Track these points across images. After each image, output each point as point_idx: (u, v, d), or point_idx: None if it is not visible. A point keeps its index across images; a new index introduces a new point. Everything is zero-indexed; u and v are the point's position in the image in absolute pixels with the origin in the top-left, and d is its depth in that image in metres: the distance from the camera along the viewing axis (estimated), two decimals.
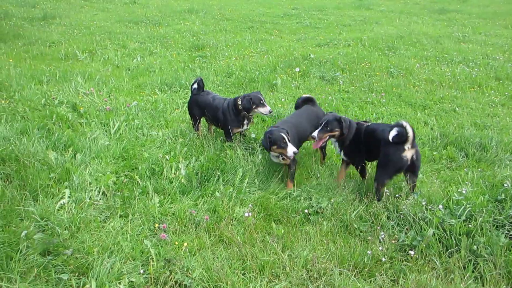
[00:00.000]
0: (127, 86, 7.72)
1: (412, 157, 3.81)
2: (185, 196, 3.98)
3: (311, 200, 3.92)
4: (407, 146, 3.75)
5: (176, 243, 3.20)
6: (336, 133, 4.16)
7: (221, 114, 5.07)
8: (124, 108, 6.37)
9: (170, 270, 2.90)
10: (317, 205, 3.75)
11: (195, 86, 5.47)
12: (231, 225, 3.55)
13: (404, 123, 3.69)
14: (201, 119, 5.51)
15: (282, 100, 6.71)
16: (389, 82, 7.93)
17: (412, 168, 3.93)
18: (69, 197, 3.79)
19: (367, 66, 8.91)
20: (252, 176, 4.33)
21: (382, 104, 6.87)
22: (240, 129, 5.14)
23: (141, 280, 2.79)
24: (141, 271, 2.88)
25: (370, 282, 3.02)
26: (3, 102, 6.28)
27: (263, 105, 4.91)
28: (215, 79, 7.92)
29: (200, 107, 5.41)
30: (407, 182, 4.10)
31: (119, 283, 2.73)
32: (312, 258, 3.07)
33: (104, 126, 5.70)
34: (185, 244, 3.19)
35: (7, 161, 4.37)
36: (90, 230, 3.40)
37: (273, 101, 6.73)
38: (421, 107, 6.84)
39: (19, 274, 2.83)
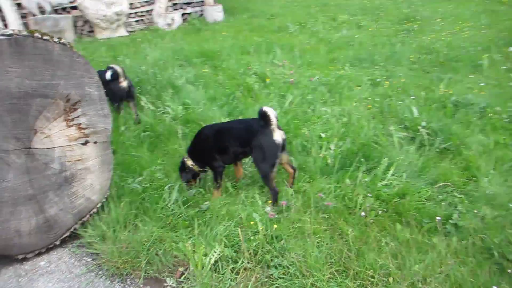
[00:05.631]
0: (321, 60, 7.84)
1: None
2: (324, 177, 3.92)
3: (456, 207, 3.34)
4: None
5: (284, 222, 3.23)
6: None
7: None
8: (307, 81, 6.54)
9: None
10: (458, 217, 3.17)
11: None
12: (352, 217, 3.35)
13: None
14: None
15: (481, 84, 5.68)
16: None
17: None
18: None
19: None
20: (402, 169, 3.92)
21: None
22: None
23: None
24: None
25: None
26: (207, 70, 7.27)
27: None
28: (411, 56, 7.25)
29: None
30: None
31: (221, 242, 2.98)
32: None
33: (282, 97, 6.00)
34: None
35: (190, 122, 5.16)
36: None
37: (468, 85, 5.77)
38: None
39: None
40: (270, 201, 3.55)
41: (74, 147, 3.18)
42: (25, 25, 9.81)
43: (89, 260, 3.15)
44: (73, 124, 3.13)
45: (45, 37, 2.85)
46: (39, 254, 3.21)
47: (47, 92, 2.91)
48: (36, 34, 2.81)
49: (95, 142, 3.30)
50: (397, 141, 4.28)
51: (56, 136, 3.06)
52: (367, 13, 11.24)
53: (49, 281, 2.95)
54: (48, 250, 3.25)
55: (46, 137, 3.01)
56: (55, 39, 2.90)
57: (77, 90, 3.07)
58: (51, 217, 3.15)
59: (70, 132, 3.13)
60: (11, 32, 2.74)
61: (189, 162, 3.79)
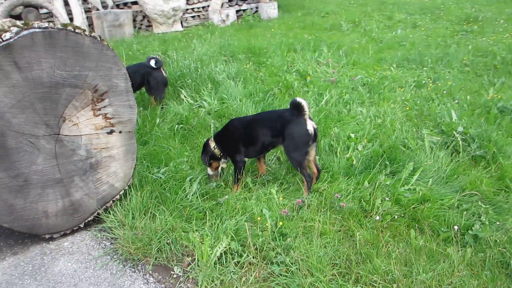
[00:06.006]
0: (368, 60, 7.65)
1: None
2: (345, 178, 3.85)
3: (479, 218, 3.15)
4: None
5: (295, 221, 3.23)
6: None
7: None
8: (348, 80, 6.42)
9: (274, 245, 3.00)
10: (480, 228, 2.99)
11: None
12: (368, 220, 3.27)
13: None
14: None
15: None
16: None
17: None
18: None
19: None
20: (429, 174, 3.76)
21: None
22: None
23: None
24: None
25: None
26: (250, 66, 7.34)
27: None
28: (464, 58, 6.87)
29: None
30: None
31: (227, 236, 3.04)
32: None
33: (320, 96, 5.93)
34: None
35: (223, 117, 5.25)
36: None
37: None
38: None
39: None
40: (282, 198, 3.56)
41: (100, 135, 3.38)
42: (89, 19, 10.46)
43: (107, 244, 3.34)
44: (100, 114, 3.33)
45: (77, 31, 3.05)
46: (64, 235, 3.46)
47: (76, 82, 3.12)
48: (69, 28, 3.02)
49: (120, 132, 3.49)
50: (428, 145, 4.10)
51: (83, 124, 3.27)
52: (426, 12, 10.75)
53: (68, 261, 3.17)
54: (72, 232, 3.49)
55: (74, 125, 3.23)
56: (86, 33, 3.10)
57: (105, 81, 3.26)
58: (76, 200, 3.38)
59: (96, 121, 3.33)
60: (46, 25, 2.97)
61: (212, 144, 3.89)
